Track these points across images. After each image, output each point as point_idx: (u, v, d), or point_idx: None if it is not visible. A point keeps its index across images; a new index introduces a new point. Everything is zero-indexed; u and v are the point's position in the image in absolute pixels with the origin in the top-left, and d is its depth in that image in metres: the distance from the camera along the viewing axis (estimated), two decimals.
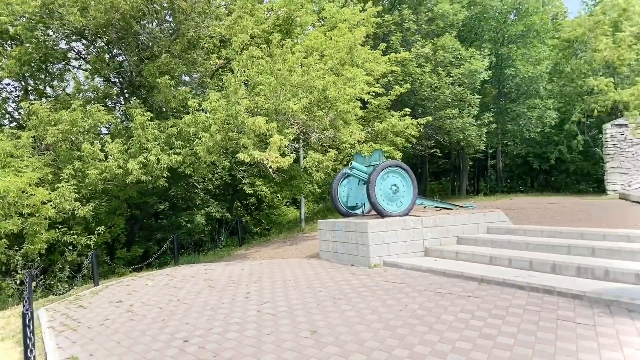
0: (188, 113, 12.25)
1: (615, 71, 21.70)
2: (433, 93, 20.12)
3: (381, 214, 9.84)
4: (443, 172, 33.12)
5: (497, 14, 24.00)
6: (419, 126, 18.09)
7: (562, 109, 24.53)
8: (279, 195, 14.00)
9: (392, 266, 9.11)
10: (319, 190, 16.41)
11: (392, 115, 17.66)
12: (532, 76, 22.91)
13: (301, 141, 14.06)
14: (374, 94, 17.04)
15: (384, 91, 18.41)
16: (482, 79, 21.25)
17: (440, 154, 24.44)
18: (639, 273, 6.01)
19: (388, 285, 7.53)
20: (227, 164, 12.41)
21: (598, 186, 22.99)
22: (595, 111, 21.38)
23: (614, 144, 19.70)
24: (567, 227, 9.36)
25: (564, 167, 25.77)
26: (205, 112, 12.41)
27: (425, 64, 19.94)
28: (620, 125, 19.74)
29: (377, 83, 18.05)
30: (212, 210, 18.83)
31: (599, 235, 8.09)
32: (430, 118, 18.93)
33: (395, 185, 10.03)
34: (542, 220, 11.53)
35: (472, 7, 23.71)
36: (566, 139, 24.18)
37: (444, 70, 20.18)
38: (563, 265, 7.00)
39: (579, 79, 22.32)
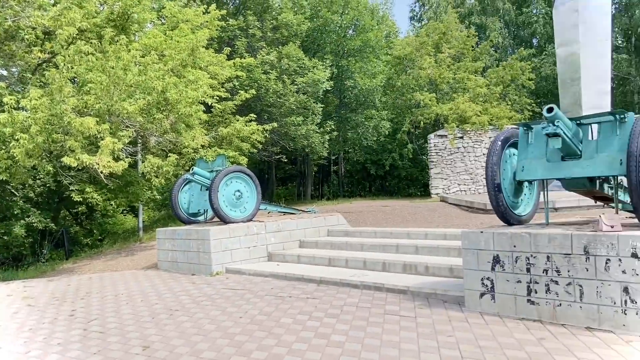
0: (4, 111, 10.76)
1: (437, 87, 24.34)
2: (278, 100, 20.50)
3: (224, 220, 9.68)
4: (289, 178, 33.96)
5: (337, 28, 25.37)
6: (264, 132, 18.25)
7: (394, 119, 26.75)
8: (113, 202, 12.98)
9: (234, 273, 9.00)
10: (159, 197, 15.62)
11: (238, 121, 17.56)
12: (369, 88, 24.64)
13: (139, 145, 13.24)
14: (218, 98, 16.76)
15: (229, 96, 18.23)
16: (325, 89, 22.25)
17: (286, 160, 25.00)
18: (452, 267, 6.74)
19: (229, 293, 7.41)
20: (51, 168, 11.15)
21: (424, 190, 25.48)
22: (422, 123, 23.71)
23: (437, 152, 22.03)
24: (397, 228, 10.17)
25: (397, 172, 28.11)
26: (25, 111, 11.02)
27: (270, 71, 20.24)
28: (441, 136, 22.14)
29: (222, 87, 17.80)
30: (33, 221, 16.77)
31: (422, 234, 8.92)
32: (275, 124, 19.22)
33: (238, 191, 9.94)
34: (377, 222, 12.40)
35: (315, 20, 24.75)
36: (398, 147, 26.42)
37: (288, 78, 20.69)
38: (392, 264, 7.56)
39: (408, 93, 24.57)
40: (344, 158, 31.99)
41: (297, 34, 22.57)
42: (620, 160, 4.84)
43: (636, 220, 5.02)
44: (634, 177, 4.63)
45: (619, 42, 30.73)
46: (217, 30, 17.88)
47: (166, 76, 11.54)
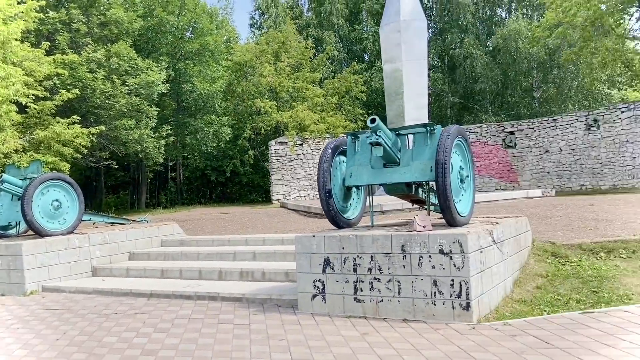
0: None
1: (278, 95, 24.90)
2: (107, 101, 19.02)
3: (40, 233, 8.63)
4: (122, 185, 31.68)
5: (174, 29, 24.48)
6: (90, 136, 16.79)
7: (235, 125, 26.66)
8: None
9: (52, 291, 8.08)
10: None
11: (58, 123, 15.89)
12: (208, 93, 24.18)
13: None
14: (34, 97, 15.00)
15: (49, 95, 16.42)
16: (160, 92, 21.26)
17: (117, 166, 23.27)
18: (287, 272, 6.87)
19: (46, 314, 6.61)
20: None
21: (266, 196, 25.81)
22: (263, 129, 24.04)
23: (277, 159, 22.49)
24: (235, 235, 10.09)
25: (238, 179, 28.03)
26: None
27: (97, 70, 18.70)
28: (282, 143, 22.68)
29: (40, 85, 15.98)
30: None
31: (260, 241, 8.98)
32: (103, 128, 17.81)
33: (57, 200, 8.94)
34: (216, 230, 12.17)
35: (149, 19, 23.57)
36: (239, 153, 26.37)
37: (119, 79, 19.33)
38: (228, 271, 7.46)
39: (249, 100, 24.72)
40: (183, 164, 30.92)
41: (129, 32, 21.23)
42: (431, 167, 5.41)
43: (444, 221, 5.64)
44: (440, 182, 5.21)
45: (435, 62, 34.75)
46: (34, 22, 15.99)
47: None
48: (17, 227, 9.73)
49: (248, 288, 6.65)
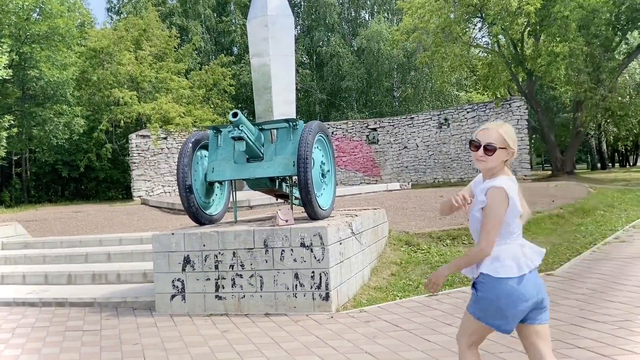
0: None
1: (139, 85, 23.47)
2: None
3: None
4: None
5: (18, 9, 21.82)
6: None
7: (91, 117, 24.60)
8: None
9: None
10: None
11: None
12: (58, 81, 21.93)
13: None
14: None
15: None
16: (2, 77, 18.83)
17: None
18: (145, 272, 6.51)
19: None
20: None
21: (127, 193, 24.25)
22: (122, 122, 22.49)
23: (139, 153, 21.25)
24: (87, 236, 9.33)
25: (95, 174, 25.95)
26: None
27: None
28: (144, 136, 21.46)
29: None
30: None
31: (116, 240, 8.39)
32: None
33: None
34: (66, 230, 11.13)
35: None
36: (95, 147, 24.36)
37: None
38: (79, 275, 6.87)
39: (106, 89, 22.94)
40: (30, 159, 27.83)
41: None
42: (293, 162, 5.47)
43: (306, 214, 5.76)
44: (302, 176, 5.30)
45: (304, 59, 35.44)
46: None
47: None
48: None
49: (101, 292, 6.18)
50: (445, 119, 22.28)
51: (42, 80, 21.48)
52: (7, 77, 19.46)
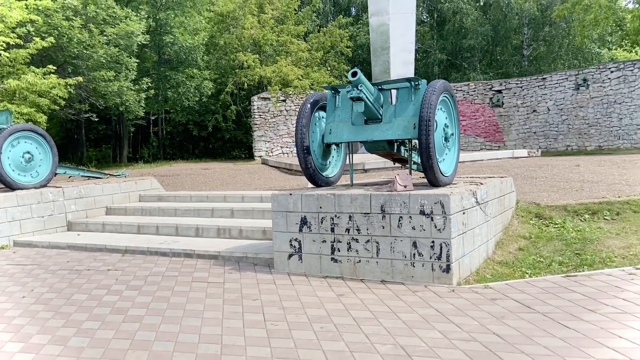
0: None
1: (261, 49, 24.12)
2: (85, 51, 18.22)
3: (11, 186, 8.31)
4: (103, 139, 30.95)
5: None
6: (68, 87, 16.15)
7: (217, 80, 25.90)
8: None
9: (24, 246, 7.86)
10: None
11: (33, 72, 15.22)
12: (190, 46, 23.30)
13: None
14: (6, 44, 14.29)
15: (22, 43, 15.66)
16: (140, 43, 20.41)
17: (98, 119, 22.64)
18: (265, 229, 6.69)
19: (14, 270, 6.40)
20: None
21: (249, 153, 25.41)
22: (245, 84, 23.37)
23: (260, 115, 22.01)
24: (213, 191, 9.85)
25: (220, 135, 27.50)
26: None
27: (74, 18, 17.81)
28: (264, 99, 22.14)
29: (13, 32, 15.21)
30: None
31: (239, 197, 8.75)
32: (81, 79, 17.13)
33: (29, 152, 8.59)
34: (195, 185, 11.91)
35: None
36: (221, 108, 25.74)
37: (97, 28, 18.47)
38: (205, 228, 7.26)
39: (232, 53, 23.89)
40: (165, 119, 30.22)
41: None
42: (414, 124, 5.16)
43: (426, 180, 5.45)
44: (423, 140, 4.97)
45: (423, 17, 33.90)
46: None
47: None
48: None
49: (225, 246, 6.48)
50: (584, 80, 20.03)
51: (176, 45, 22.92)
52: (145, 43, 21.05)
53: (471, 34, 29.94)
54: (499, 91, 22.49)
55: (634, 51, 25.20)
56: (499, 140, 22.42)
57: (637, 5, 21.85)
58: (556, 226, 6.60)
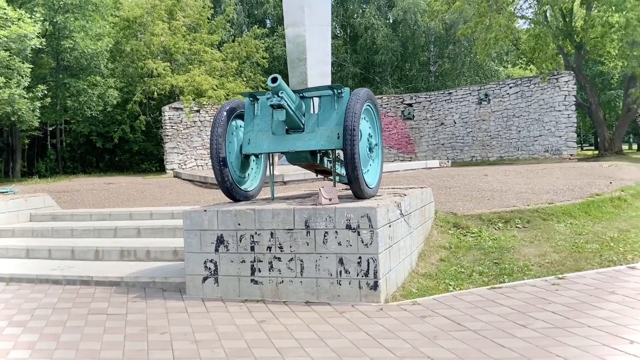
0: None
1: (172, 57, 23.09)
2: None
3: None
4: None
5: None
6: None
7: (124, 88, 24.43)
8: None
9: None
10: None
11: None
12: (92, 52, 21.75)
13: None
14: None
15: None
16: (35, 47, 18.69)
17: None
18: (176, 249, 6.09)
19: None
20: None
21: (160, 165, 24.14)
22: (155, 93, 22.20)
23: (172, 126, 20.98)
24: (117, 208, 9.02)
25: (128, 146, 25.93)
26: None
27: None
28: (177, 109, 21.15)
29: None
30: None
31: (147, 214, 8.04)
32: None
33: None
34: (97, 202, 10.90)
35: None
36: (129, 119, 24.27)
37: None
38: (106, 251, 6.52)
39: (140, 61, 22.65)
40: (65, 129, 28.00)
41: None
42: (338, 134, 4.89)
43: (351, 192, 5.20)
44: (348, 150, 4.71)
45: (337, 31, 34.41)
46: None
47: None
48: None
49: (129, 270, 5.80)
50: (486, 95, 21.20)
51: (76, 51, 21.31)
52: (41, 47, 19.34)
53: (382, 49, 30.81)
54: (410, 105, 23.22)
55: (528, 68, 27.09)
56: (411, 151, 23.08)
57: (532, 25, 23.54)
58: (473, 235, 6.64)
